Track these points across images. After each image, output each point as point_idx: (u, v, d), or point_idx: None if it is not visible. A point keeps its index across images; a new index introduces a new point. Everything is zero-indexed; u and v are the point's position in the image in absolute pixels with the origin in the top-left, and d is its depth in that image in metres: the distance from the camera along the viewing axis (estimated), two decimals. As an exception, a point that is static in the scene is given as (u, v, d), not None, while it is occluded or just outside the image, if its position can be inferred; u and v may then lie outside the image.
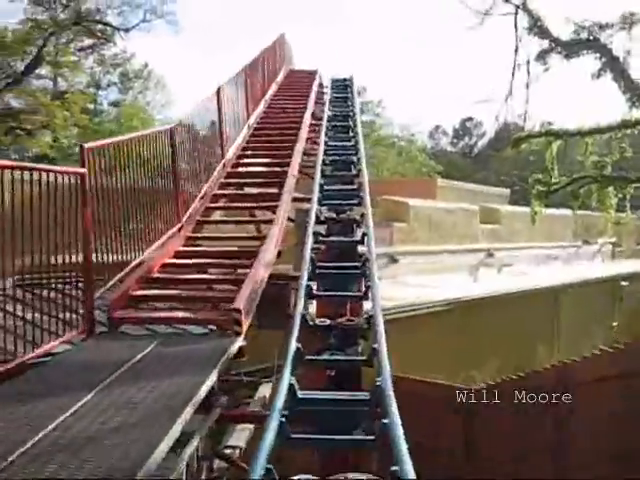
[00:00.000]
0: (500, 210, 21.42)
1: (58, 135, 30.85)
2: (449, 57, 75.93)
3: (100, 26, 35.07)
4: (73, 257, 5.27)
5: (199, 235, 7.98)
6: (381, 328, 5.35)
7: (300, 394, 3.94)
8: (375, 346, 4.87)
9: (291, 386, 3.89)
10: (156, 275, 6.41)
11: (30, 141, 30.81)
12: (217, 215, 9.22)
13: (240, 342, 5.07)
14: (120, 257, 6.12)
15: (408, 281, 14.93)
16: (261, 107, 13.80)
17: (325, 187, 9.12)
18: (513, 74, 13.16)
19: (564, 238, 23.82)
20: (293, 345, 4.64)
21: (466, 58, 71.05)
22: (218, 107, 9.99)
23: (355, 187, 9.36)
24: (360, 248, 7.62)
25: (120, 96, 42.51)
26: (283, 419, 3.42)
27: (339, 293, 6.51)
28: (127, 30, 35.23)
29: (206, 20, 71.78)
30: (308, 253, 6.86)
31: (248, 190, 9.63)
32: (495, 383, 10.39)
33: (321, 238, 7.62)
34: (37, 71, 33.48)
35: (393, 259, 15.73)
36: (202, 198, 8.63)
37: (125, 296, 5.71)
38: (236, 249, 7.35)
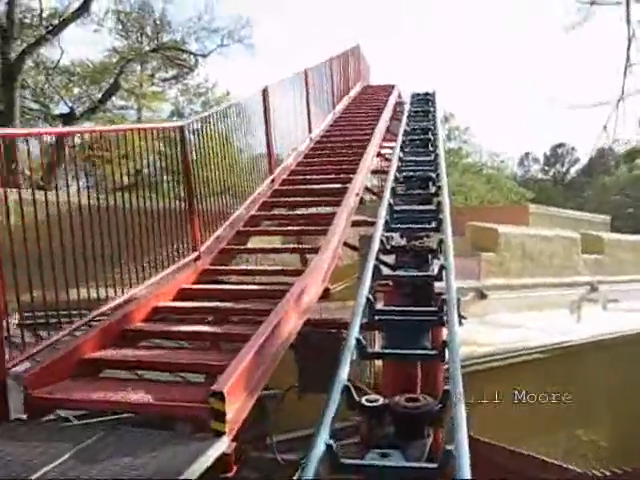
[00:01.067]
0: (604, 238, 18.93)
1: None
2: (541, 70, 72.09)
3: (182, 55, 34.70)
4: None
5: (221, 267, 6.22)
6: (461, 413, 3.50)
7: None
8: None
9: None
10: (135, 326, 4.61)
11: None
12: (254, 243, 7.54)
13: (224, 448, 3.17)
14: (92, 294, 4.42)
15: (499, 320, 12.86)
16: (328, 119, 12.19)
17: (395, 208, 7.29)
18: (625, 73, 10.96)
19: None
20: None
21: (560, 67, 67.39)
22: (264, 108, 8.35)
23: (433, 208, 7.49)
24: (437, 285, 5.76)
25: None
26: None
27: (402, 352, 4.64)
28: (205, 56, 34.62)
29: (281, 42, 71.69)
30: (364, 293, 5.05)
31: (297, 212, 7.94)
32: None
33: (386, 272, 5.82)
34: (120, 102, 33.35)
35: (482, 294, 13.69)
36: (234, 221, 6.95)
37: (68, 362, 3.88)
38: (266, 287, 5.62)
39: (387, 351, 4.74)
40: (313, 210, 8.00)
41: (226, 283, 5.79)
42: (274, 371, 4.60)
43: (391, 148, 10.74)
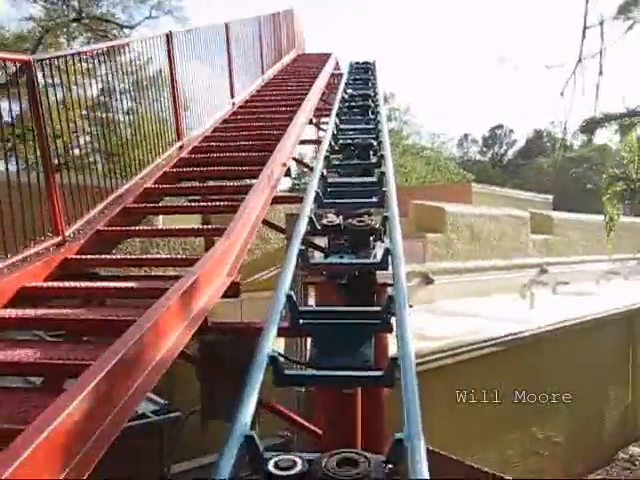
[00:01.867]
0: (553, 217, 18.03)
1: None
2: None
3: (110, 28, 32.44)
4: None
5: (90, 257, 4.55)
6: None
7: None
8: None
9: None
10: None
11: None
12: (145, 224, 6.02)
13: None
14: None
15: (447, 308, 11.69)
16: (256, 85, 10.70)
17: (329, 180, 5.93)
18: (584, 33, 9.78)
19: (625, 250, 20.29)
20: None
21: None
22: (169, 59, 6.79)
23: (374, 180, 6.14)
24: (381, 275, 4.45)
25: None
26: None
27: (334, 373, 3.26)
28: (132, 27, 32.43)
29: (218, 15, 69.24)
30: (284, 288, 3.69)
31: (206, 185, 6.43)
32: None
33: (315, 260, 4.49)
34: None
35: (428, 279, 12.50)
36: (121, 196, 5.41)
37: None
38: (145, 285, 4.15)
39: (313, 373, 3.38)
40: (227, 183, 6.54)
41: (93, 279, 4.32)
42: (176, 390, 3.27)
43: (326, 118, 9.42)
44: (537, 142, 60.92)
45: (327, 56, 14.32)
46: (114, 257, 4.72)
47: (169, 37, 6.80)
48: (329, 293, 4.73)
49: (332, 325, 3.63)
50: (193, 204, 6.24)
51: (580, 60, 10.29)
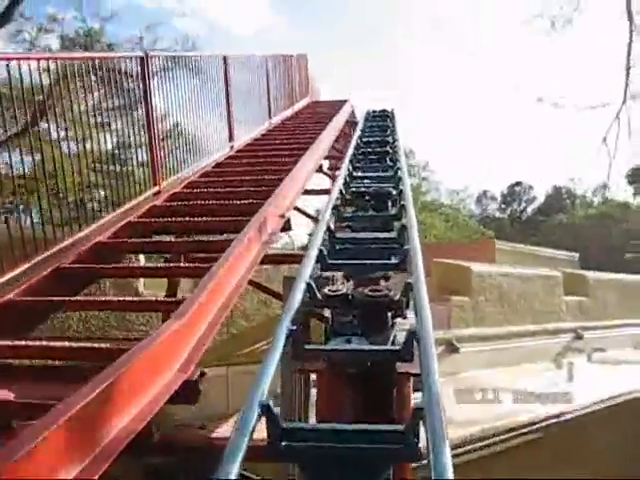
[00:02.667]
0: (588, 277, 16.61)
1: None
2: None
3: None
4: None
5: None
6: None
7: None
8: None
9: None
10: None
11: None
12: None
13: None
14: None
15: (475, 381, 10.30)
16: (261, 129, 9.64)
17: (337, 235, 4.70)
18: (628, 74, 8.60)
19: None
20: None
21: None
22: (144, 87, 5.63)
23: (394, 236, 4.87)
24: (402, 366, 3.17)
25: None
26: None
27: None
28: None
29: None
30: (259, 394, 2.44)
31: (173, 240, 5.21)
32: None
33: (310, 346, 3.21)
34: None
35: (452, 347, 11.14)
36: (63, 252, 4.14)
37: None
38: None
39: None
40: (206, 237, 5.32)
41: None
42: None
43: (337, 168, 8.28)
44: (556, 198, 60.25)
45: (342, 103, 13.37)
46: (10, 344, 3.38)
47: (144, 60, 5.67)
48: (335, 386, 3.48)
49: (330, 452, 2.34)
50: (159, 265, 5.03)
51: (624, 101, 9.18)
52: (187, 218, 5.25)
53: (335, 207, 5.14)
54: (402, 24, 78.74)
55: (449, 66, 77.13)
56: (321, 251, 3.88)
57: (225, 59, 8.10)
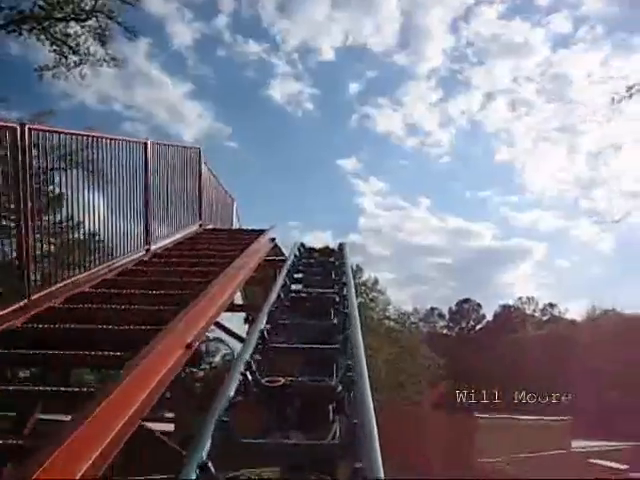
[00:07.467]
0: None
1: None
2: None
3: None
4: None
5: None
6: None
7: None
8: None
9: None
10: None
11: None
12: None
13: None
14: None
15: None
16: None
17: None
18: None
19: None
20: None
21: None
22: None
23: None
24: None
25: None
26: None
27: None
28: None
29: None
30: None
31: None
32: None
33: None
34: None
35: None
36: None
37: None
38: None
39: None
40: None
41: None
42: None
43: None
44: (504, 317, 59.32)
45: (262, 232, 10.28)
46: None
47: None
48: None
49: None
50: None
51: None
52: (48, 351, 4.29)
53: (262, 330, 4.32)
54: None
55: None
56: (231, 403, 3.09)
57: (146, 145, 7.80)
